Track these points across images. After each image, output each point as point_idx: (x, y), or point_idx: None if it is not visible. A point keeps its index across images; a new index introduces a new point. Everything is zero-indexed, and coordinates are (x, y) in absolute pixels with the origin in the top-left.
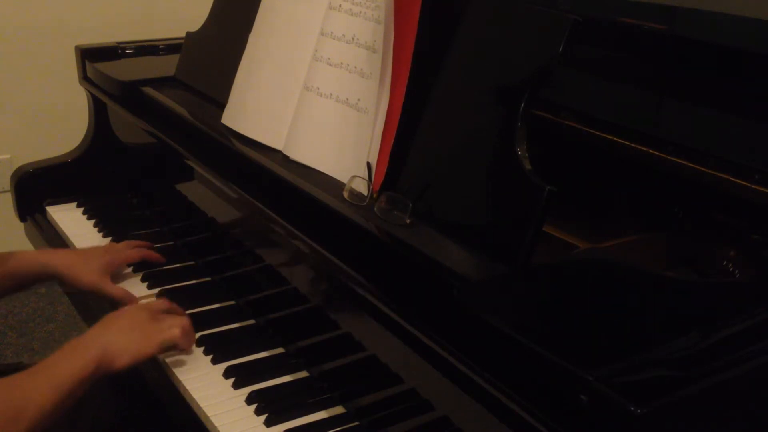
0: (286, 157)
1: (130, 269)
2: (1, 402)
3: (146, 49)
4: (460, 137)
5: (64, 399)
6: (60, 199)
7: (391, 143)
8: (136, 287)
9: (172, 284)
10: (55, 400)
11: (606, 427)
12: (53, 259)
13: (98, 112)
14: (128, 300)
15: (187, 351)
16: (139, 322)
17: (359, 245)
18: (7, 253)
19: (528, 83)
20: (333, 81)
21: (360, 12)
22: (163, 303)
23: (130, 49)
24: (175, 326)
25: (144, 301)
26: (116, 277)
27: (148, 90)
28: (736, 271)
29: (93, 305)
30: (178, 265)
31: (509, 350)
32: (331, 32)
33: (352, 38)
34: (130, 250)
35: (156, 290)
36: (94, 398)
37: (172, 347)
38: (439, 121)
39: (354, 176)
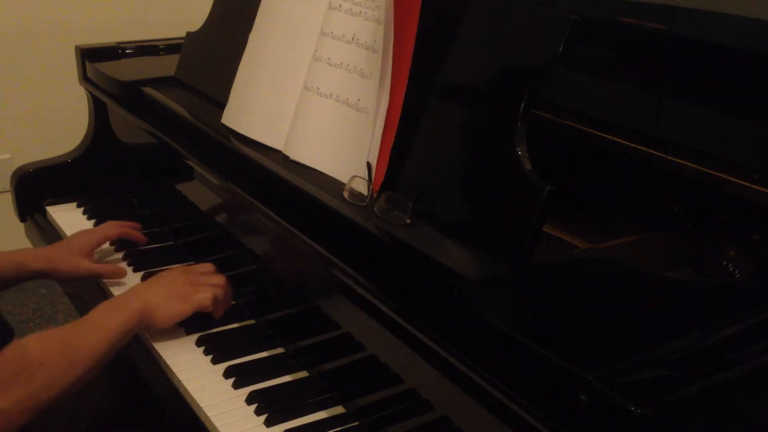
0: (286, 157)
1: (130, 269)
2: (55, 350)
3: (146, 49)
4: (460, 137)
5: (111, 348)
6: (60, 199)
7: (391, 143)
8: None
9: None
10: (103, 349)
11: (606, 427)
12: (29, 258)
13: (98, 112)
14: (116, 274)
15: (215, 315)
16: (176, 283)
17: (359, 245)
18: None
19: (528, 83)
20: (333, 81)
21: (360, 12)
22: (206, 266)
23: (130, 49)
24: (208, 290)
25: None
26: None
27: (148, 90)
28: (736, 271)
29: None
30: (178, 265)
31: (509, 350)
32: (331, 32)
33: (352, 38)
34: (110, 228)
35: None
36: (93, 399)
37: (208, 309)
38: (439, 121)
39: (354, 176)
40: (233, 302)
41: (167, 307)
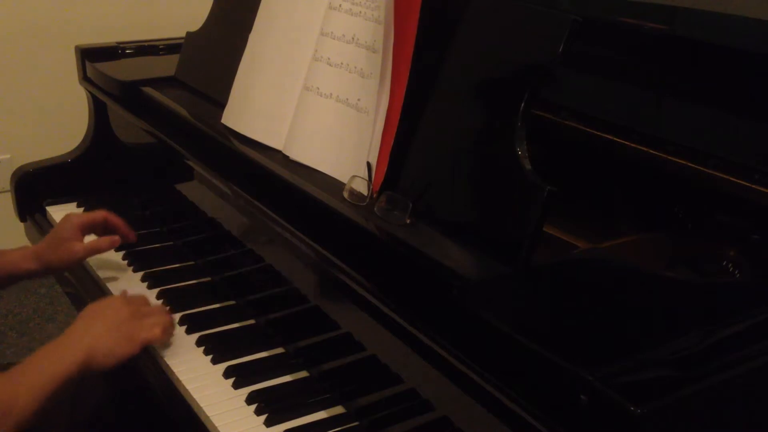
0: (286, 157)
1: (130, 269)
2: None
3: (146, 49)
4: (460, 137)
5: (49, 398)
6: (60, 199)
7: (391, 143)
8: (137, 287)
9: (172, 284)
10: (39, 399)
11: (606, 427)
12: (17, 259)
13: (98, 112)
14: (111, 243)
15: (164, 341)
16: (122, 321)
17: (359, 245)
18: None
19: (528, 83)
20: (333, 81)
21: (360, 12)
22: (141, 297)
23: (130, 49)
24: (156, 325)
25: (125, 294)
26: (115, 277)
27: (148, 90)
28: (736, 271)
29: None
30: (178, 265)
31: (509, 350)
32: (331, 32)
33: (352, 38)
34: (98, 211)
35: (156, 290)
36: (92, 400)
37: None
38: (439, 121)
39: (354, 176)
40: (233, 302)
41: (112, 352)
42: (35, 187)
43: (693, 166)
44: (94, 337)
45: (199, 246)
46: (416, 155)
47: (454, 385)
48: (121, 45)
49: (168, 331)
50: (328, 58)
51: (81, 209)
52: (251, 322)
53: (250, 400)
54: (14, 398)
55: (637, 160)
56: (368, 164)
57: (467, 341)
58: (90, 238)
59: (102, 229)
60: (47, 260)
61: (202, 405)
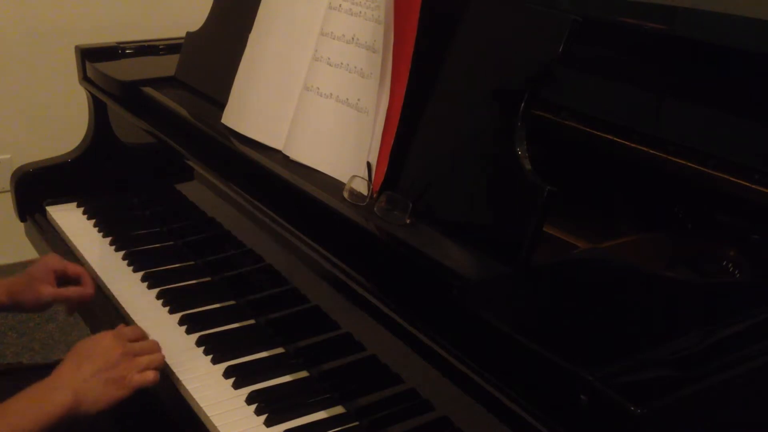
0: (286, 157)
1: (130, 269)
2: None
3: (146, 49)
4: (460, 137)
5: None
6: (60, 199)
7: (391, 143)
8: (137, 287)
9: (172, 284)
10: None
11: (606, 427)
12: None
13: (98, 112)
14: (83, 296)
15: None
16: (112, 363)
17: (359, 245)
18: None
19: (528, 83)
20: (333, 81)
21: (360, 12)
22: (134, 330)
23: (130, 49)
24: (150, 365)
25: (119, 330)
26: (114, 276)
27: (148, 90)
28: (736, 271)
29: (95, 309)
30: (178, 265)
31: (509, 350)
32: (331, 32)
33: (352, 38)
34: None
35: (156, 290)
36: None
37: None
38: (439, 121)
39: (354, 176)
40: (233, 302)
41: (102, 398)
42: (35, 187)
43: (693, 166)
44: (82, 381)
45: (199, 246)
46: (416, 155)
47: (454, 385)
48: (121, 45)
49: (160, 368)
50: (328, 58)
51: (81, 209)
52: (251, 322)
53: (250, 400)
54: None
55: (637, 160)
56: (368, 164)
57: (467, 341)
58: None
59: (74, 281)
60: (16, 296)
61: (202, 405)
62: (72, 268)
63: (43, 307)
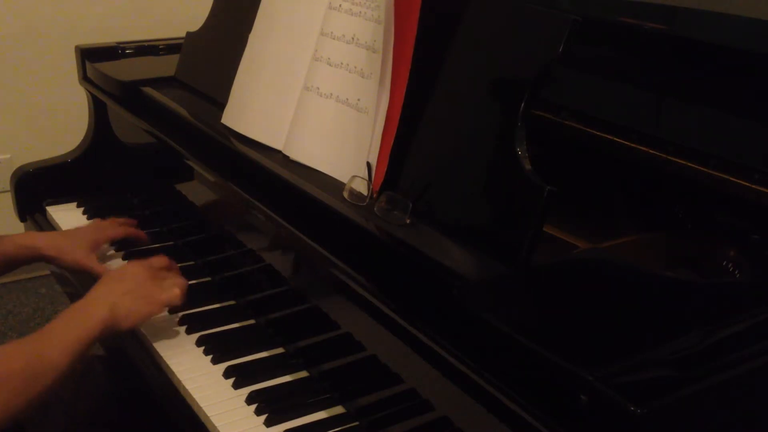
0: (286, 157)
1: None
2: (19, 364)
3: (146, 49)
4: (460, 137)
5: (75, 358)
6: (60, 199)
7: (391, 143)
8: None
9: None
10: (67, 360)
11: (606, 427)
12: (36, 241)
13: (98, 112)
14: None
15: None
16: (141, 283)
17: (359, 245)
18: None
19: (528, 83)
20: (333, 81)
21: (360, 12)
22: (161, 259)
23: (130, 49)
24: (175, 286)
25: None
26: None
27: (148, 90)
28: (736, 271)
29: None
30: (177, 265)
31: (509, 350)
32: (331, 32)
33: (352, 38)
34: (115, 227)
35: None
36: (92, 399)
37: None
38: (439, 121)
39: (354, 176)
40: (233, 302)
41: (134, 312)
42: (35, 187)
43: (693, 166)
44: (115, 297)
45: (199, 246)
46: (416, 155)
47: (454, 385)
48: (121, 45)
49: (184, 294)
50: (328, 58)
51: (81, 209)
52: (251, 322)
53: (250, 400)
54: (46, 357)
55: (637, 160)
56: (368, 164)
57: (467, 341)
58: None
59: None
60: (59, 255)
61: (202, 405)
62: (110, 237)
63: (74, 271)
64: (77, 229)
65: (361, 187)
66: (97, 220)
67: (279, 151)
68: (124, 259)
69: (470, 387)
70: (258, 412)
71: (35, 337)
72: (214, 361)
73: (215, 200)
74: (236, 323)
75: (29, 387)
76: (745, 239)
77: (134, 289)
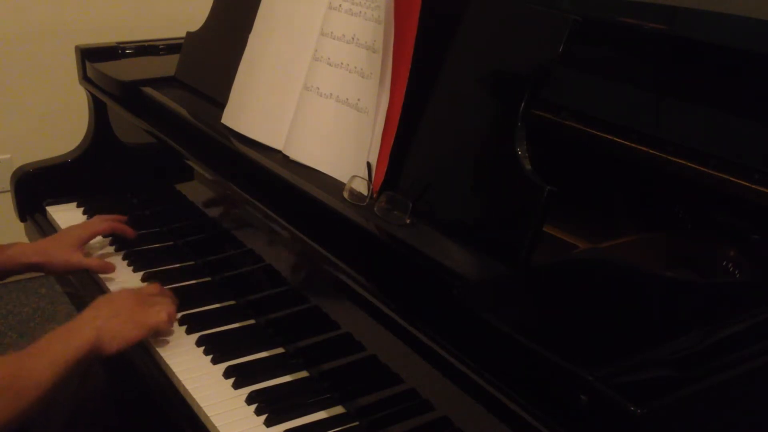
0: (286, 157)
1: (130, 269)
2: (3, 384)
3: (146, 49)
4: (460, 137)
5: (60, 378)
6: (60, 199)
7: (391, 143)
8: (137, 287)
9: (172, 284)
10: (51, 379)
11: (606, 427)
12: (23, 251)
13: (98, 112)
14: (105, 268)
15: (168, 332)
16: (129, 307)
17: (359, 245)
18: None
19: (528, 83)
20: (333, 81)
21: (360, 12)
22: (152, 287)
23: (130, 49)
24: (162, 311)
25: (133, 287)
26: (114, 276)
27: (148, 90)
28: (736, 271)
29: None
30: (178, 264)
31: (509, 350)
32: (331, 32)
33: (352, 38)
34: (100, 222)
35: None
36: (92, 399)
37: (159, 332)
38: (439, 121)
39: (354, 176)
40: (233, 302)
41: (120, 335)
42: (35, 187)
43: (693, 166)
44: (102, 320)
45: (199, 246)
46: (416, 155)
47: (454, 385)
48: (121, 45)
49: (173, 318)
50: (328, 58)
51: (81, 209)
52: (251, 322)
53: (250, 400)
54: (30, 374)
55: (637, 160)
56: (368, 164)
57: (467, 341)
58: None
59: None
60: (48, 258)
61: (202, 405)
62: (95, 231)
63: (67, 272)
64: (61, 231)
65: (361, 187)
66: (85, 220)
67: (279, 151)
68: (123, 259)
69: (470, 387)
70: (258, 412)
71: (19, 354)
72: (214, 361)
73: (215, 200)
74: (236, 323)
75: (15, 403)
76: (745, 239)
77: (122, 313)
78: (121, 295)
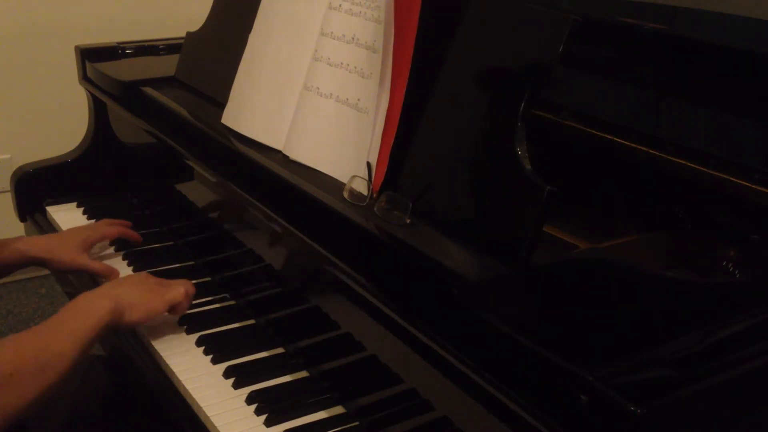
0: (286, 157)
1: (130, 269)
2: (27, 355)
3: (146, 49)
4: (460, 137)
5: (83, 348)
6: (60, 199)
7: (391, 143)
8: None
9: None
10: (75, 351)
11: (606, 427)
12: (30, 245)
13: (98, 112)
14: (110, 274)
15: (179, 312)
16: (144, 281)
17: (359, 245)
18: None
19: (528, 83)
20: (333, 81)
21: (360, 12)
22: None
23: (130, 49)
24: (180, 285)
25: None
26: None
27: (148, 90)
28: (736, 271)
29: None
30: (178, 265)
31: (509, 350)
32: (331, 32)
33: (352, 38)
34: (107, 226)
35: None
36: (92, 399)
37: (177, 307)
38: (439, 121)
39: (354, 176)
40: (233, 302)
41: (140, 305)
42: (35, 187)
43: (693, 166)
44: (120, 292)
45: (199, 246)
46: (416, 155)
47: (454, 385)
48: (121, 45)
49: (191, 296)
50: (328, 58)
51: (81, 209)
52: (251, 322)
53: (250, 400)
54: (56, 348)
55: (637, 160)
56: (368, 164)
57: (467, 341)
58: None
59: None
60: (51, 256)
61: (202, 405)
62: (103, 235)
63: (69, 272)
64: (69, 230)
65: (361, 187)
66: (90, 222)
67: (279, 151)
68: (123, 259)
69: (470, 387)
70: (258, 412)
71: (42, 329)
72: (214, 361)
73: (215, 200)
74: (236, 323)
75: (40, 379)
76: (745, 239)
77: (138, 285)
78: (140, 274)
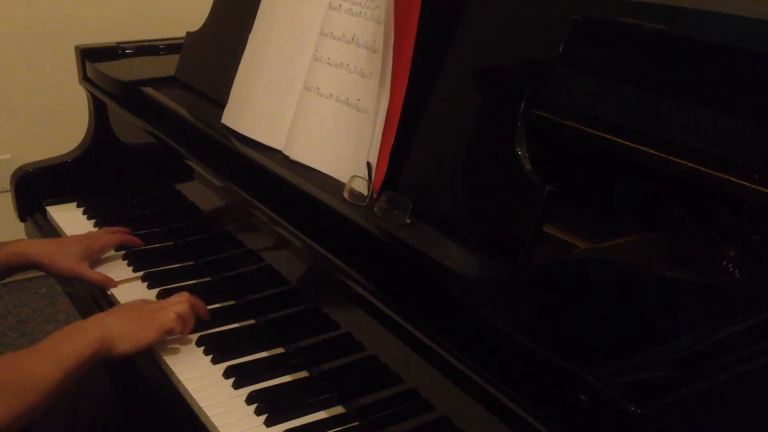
0: (286, 157)
1: (130, 269)
2: (7, 379)
3: (146, 49)
4: (460, 137)
5: (67, 377)
6: (60, 199)
7: (391, 143)
8: (137, 287)
9: (172, 284)
10: (58, 378)
11: (606, 427)
12: (29, 248)
13: (98, 112)
14: (107, 284)
15: (183, 334)
16: (136, 311)
17: (359, 245)
18: None
19: (528, 83)
20: (333, 81)
21: (360, 12)
22: (176, 296)
23: (130, 49)
24: (170, 310)
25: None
26: (114, 275)
27: (148, 90)
28: (736, 271)
29: (95, 309)
30: (178, 265)
31: (509, 350)
32: (331, 32)
33: (352, 38)
34: (109, 235)
35: (156, 290)
36: (93, 400)
37: (176, 329)
38: (439, 121)
39: (354, 176)
40: (233, 302)
41: (128, 336)
42: (35, 187)
43: (693, 166)
44: (111, 321)
45: (199, 246)
46: (416, 155)
47: (454, 385)
48: (121, 45)
49: (188, 315)
50: (328, 58)
51: (81, 209)
52: (251, 322)
53: (250, 400)
54: (37, 370)
55: (637, 160)
56: (368, 164)
57: (467, 341)
58: None
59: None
60: (51, 261)
61: (202, 405)
62: (105, 245)
63: (67, 279)
64: (70, 237)
65: (361, 187)
66: (91, 231)
67: (279, 151)
68: (123, 259)
69: (470, 387)
70: (258, 412)
71: (28, 352)
72: (214, 361)
73: (215, 200)
74: (236, 323)
75: (19, 403)
76: (745, 239)
77: (129, 315)
78: (129, 303)
